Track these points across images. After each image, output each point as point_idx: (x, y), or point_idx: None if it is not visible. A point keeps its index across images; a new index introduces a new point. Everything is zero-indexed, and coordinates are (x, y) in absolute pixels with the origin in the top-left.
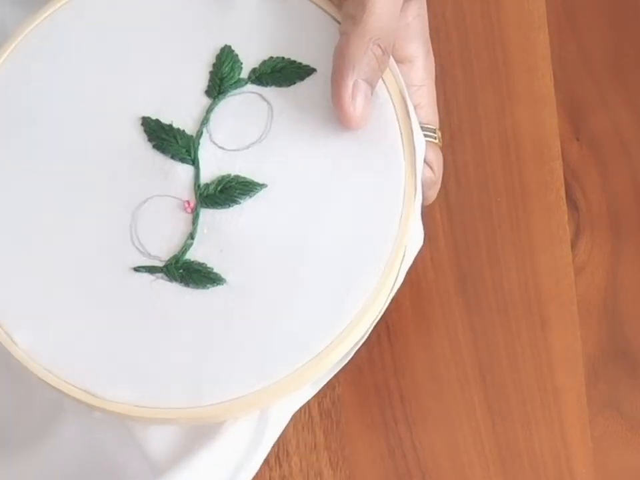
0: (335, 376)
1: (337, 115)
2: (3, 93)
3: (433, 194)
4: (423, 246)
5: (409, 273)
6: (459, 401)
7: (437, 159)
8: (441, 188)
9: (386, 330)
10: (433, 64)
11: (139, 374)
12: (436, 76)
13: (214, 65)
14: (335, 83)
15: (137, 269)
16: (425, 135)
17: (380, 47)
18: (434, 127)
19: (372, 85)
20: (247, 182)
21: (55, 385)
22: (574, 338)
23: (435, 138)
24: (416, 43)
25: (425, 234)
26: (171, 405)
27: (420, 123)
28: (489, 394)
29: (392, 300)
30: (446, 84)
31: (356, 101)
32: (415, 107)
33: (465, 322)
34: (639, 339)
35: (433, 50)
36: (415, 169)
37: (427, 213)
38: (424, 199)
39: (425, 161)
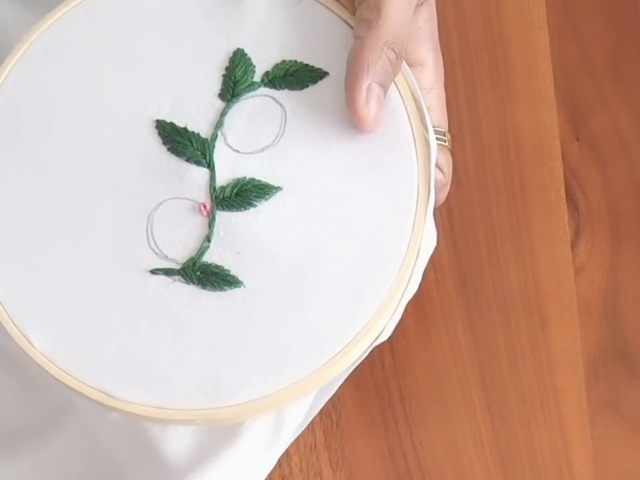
0: (349, 376)
1: (350, 118)
2: (16, 96)
3: (443, 196)
4: (438, 235)
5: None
6: (459, 401)
7: (447, 162)
8: None
9: None
10: (442, 67)
11: (156, 375)
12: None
13: (227, 68)
14: (349, 86)
15: (154, 272)
16: (436, 138)
17: (394, 51)
18: (444, 130)
19: (385, 89)
20: (263, 185)
21: (73, 386)
22: (574, 338)
23: (445, 141)
24: (426, 46)
25: (438, 234)
26: (189, 406)
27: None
28: (489, 394)
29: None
30: (446, 84)
31: (370, 104)
32: (427, 109)
33: (465, 322)
34: (639, 339)
35: None
36: (429, 171)
37: None
38: (434, 201)
39: (436, 164)
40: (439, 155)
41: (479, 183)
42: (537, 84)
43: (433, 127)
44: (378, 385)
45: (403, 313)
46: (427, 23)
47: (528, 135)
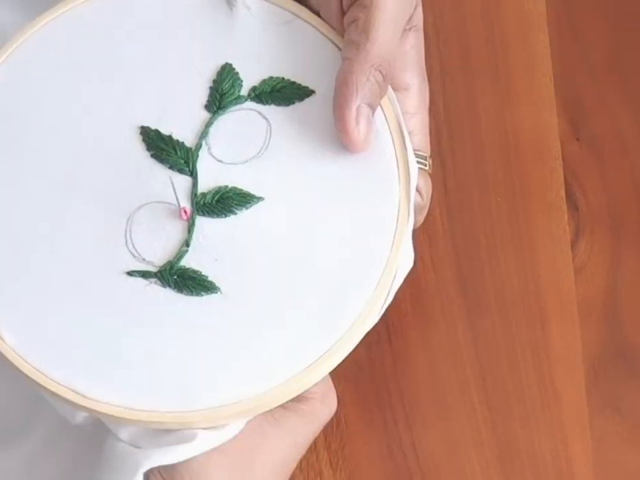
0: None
1: (340, 138)
2: (1, 98)
3: (421, 219)
4: (416, 255)
5: (409, 274)
6: (459, 401)
7: (425, 186)
8: (440, 187)
9: (386, 330)
10: (428, 93)
11: (129, 376)
12: (436, 76)
13: (214, 81)
14: (339, 107)
15: (131, 273)
16: (417, 162)
17: (381, 73)
18: (425, 154)
19: (373, 109)
20: (245, 194)
21: (43, 383)
22: (574, 338)
23: (426, 165)
24: (411, 71)
25: (416, 254)
26: (161, 408)
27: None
28: (489, 394)
29: (383, 314)
30: (446, 84)
31: (359, 125)
32: (409, 134)
33: (465, 322)
34: (639, 339)
35: (433, 49)
36: (409, 194)
37: (427, 213)
38: (413, 222)
39: (416, 188)
40: (419, 178)
41: (479, 183)
42: (536, 84)
43: (415, 150)
44: (378, 385)
45: (403, 312)
46: (413, 48)
47: (528, 134)
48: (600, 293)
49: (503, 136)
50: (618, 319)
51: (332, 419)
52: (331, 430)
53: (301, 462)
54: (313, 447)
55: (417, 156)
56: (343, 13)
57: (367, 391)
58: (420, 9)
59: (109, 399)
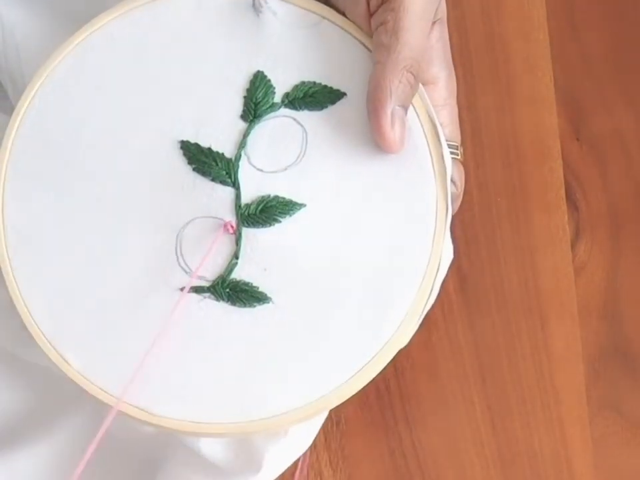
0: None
1: (377, 141)
2: (44, 118)
3: (456, 207)
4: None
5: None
6: (459, 401)
7: (459, 175)
8: None
9: None
10: (455, 82)
11: (190, 390)
12: None
13: (247, 90)
14: (374, 111)
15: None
16: (450, 153)
17: (412, 74)
18: (456, 144)
19: (406, 109)
20: (287, 201)
21: (108, 402)
22: (574, 338)
23: (458, 154)
24: (438, 64)
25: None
26: (221, 420)
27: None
28: (489, 394)
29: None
30: None
31: (395, 127)
32: (440, 125)
33: (465, 322)
34: (639, 339)
35: None
36: (446, 187)
37: None
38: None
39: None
40: (452, 168)
41: (479, 183)
42: (537, 84)
43: (447, 141)
44: (378, 385)
45: None
46: (439, 41)
47: (528, 135)
48: (600, 293)
49: (503, 136)
50: (618, 319)
51: (332, 419)
52: (331, 430)
53: (301, 462)
54: (313, 447)
55: (449, 146)
56: (370, 15)
57: (367, 391)
58: (444, 1)
59: (172, 414)
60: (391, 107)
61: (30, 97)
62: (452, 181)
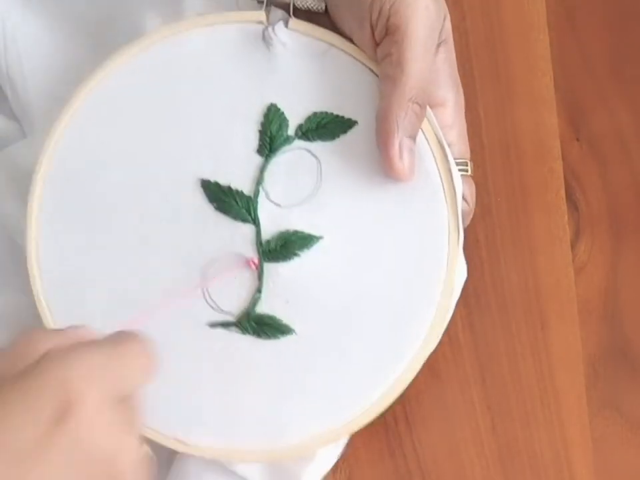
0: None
1: (387, 172)
2: (68, 162)
3: (467, 222)
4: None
5: None
6: (459, 400)
7: (470, 191)
8: None
9: None
10: (463, 99)
11: (222, 421)
12: None
13: (262, 123)
14: (383, 144)
15: (213, 325)
16: (459, 169)
17: (418, 104)
18: (466, 160)
19: (414, 138)
20: (305, 235)
21: (151, 437)
22: (574, 338)
23: (467, 170)
24: (445, 86)
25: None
26: (253, 448)
27: (454, 159)
28: (489, 394)
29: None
30: None
31: (403, 158)
32: (449, 145)
33: (465, 322)
34: (639, 339)
35: None
36: (457, 211)
37: None
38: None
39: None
40: (463, 185)
41: (479, 183)
42: (537, 84)
43: (456, 159)
44: None
45: None
46: (445, 62)
47: (528, 135)
48: (600, 293)
49: (503, 136)
50: (618, 318)
51: None
52: None
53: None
54: None
55: (459, 164)
56: (376, 44)
57: None
58: (448, 19)
59: (205, 443)
60: (398, 139)
61: (54, 140)
62: (463, 198)
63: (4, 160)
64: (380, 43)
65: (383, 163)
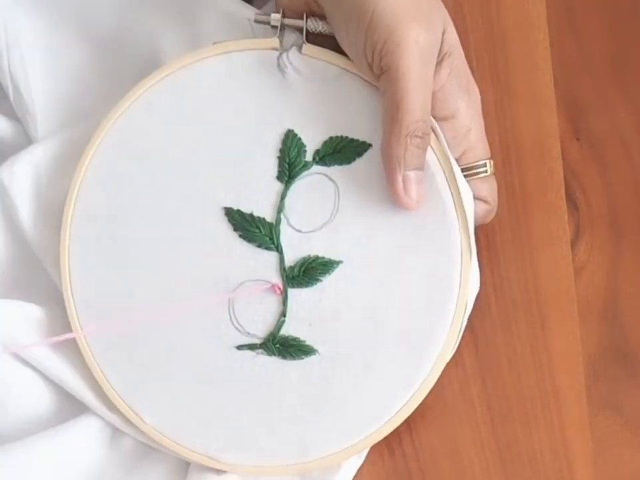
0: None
1: (394, 203)
2: (96, 194)
3: (489, 219)
4: None
5: None
6: (459, 401)
7: (491, 191)
8: None
9: None
10: (478, 97)
11: (252, 439)
12: None
13: (281, 150)
14: (388, 180)
15: (240, 347)
16: (478, 172)
17: (418, 137)
18: (486, 160)
19: (421, 168)
20: (326, 261)
21: (182, 453)
22: (574, 338)
23: (487, 170)
24: (453, 99)
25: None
26: (282, 463)
27: (473, 163)
28: (489, 394)
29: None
30: None
31: (409, 191)
32: (467, 151)
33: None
34: (639, 339)
35: None
36: (468, 230)
37: None
38: (481, 224)
39: (481, 197)
40: (483, 185)
41: None
42: (536, 84)
43: (475, 162)
44: None
45: None
46: (450, 76)
47: (528, 135)
48: (600, 293)
49: (503, 136)
50: (618, 318)
51: None
52: None
53: None
54: None
55: (479, 166)
56: (377, 78)
57: None
58: (450, 30)
59: (237, 461)
60: (401, 174)
61: (82, 172)
62: (483, 199)
63: (35, 185)
64: (379, 78)
65: (390, 196)
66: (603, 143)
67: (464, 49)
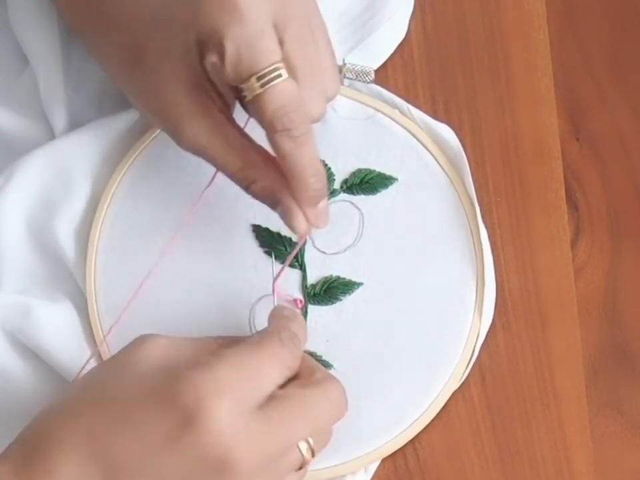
0: None
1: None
2: (117, 232)
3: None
4: None
5: None
6: (459, 401)
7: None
8: None
9: None
10: (328, 50)
11: None
12: (436, 76)
13: None
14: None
15: None
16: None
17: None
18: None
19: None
20: (347, 282)
21: None
22: (574, 338)
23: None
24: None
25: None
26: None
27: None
28: (489, 394)
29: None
30: (446, 84)
31: (323, 222)
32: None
33: None
34: (639, 339)
35: (433, 50)
36: (484, 263)
37: None
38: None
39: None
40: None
41: (479, 183)
42: (537, 84)
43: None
44: None
45: None
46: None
47: (528, 135)
48: (600, 293)
49: (503, 136)
50: (618, 319)
51: None
52: None
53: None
54: None
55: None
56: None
57: None
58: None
59: None
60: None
61: (115, 185)
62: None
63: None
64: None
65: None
66: (603, 142)
67: (464, 48)
